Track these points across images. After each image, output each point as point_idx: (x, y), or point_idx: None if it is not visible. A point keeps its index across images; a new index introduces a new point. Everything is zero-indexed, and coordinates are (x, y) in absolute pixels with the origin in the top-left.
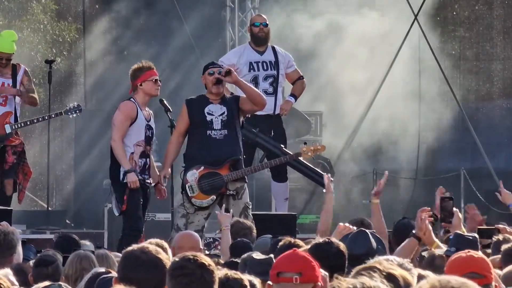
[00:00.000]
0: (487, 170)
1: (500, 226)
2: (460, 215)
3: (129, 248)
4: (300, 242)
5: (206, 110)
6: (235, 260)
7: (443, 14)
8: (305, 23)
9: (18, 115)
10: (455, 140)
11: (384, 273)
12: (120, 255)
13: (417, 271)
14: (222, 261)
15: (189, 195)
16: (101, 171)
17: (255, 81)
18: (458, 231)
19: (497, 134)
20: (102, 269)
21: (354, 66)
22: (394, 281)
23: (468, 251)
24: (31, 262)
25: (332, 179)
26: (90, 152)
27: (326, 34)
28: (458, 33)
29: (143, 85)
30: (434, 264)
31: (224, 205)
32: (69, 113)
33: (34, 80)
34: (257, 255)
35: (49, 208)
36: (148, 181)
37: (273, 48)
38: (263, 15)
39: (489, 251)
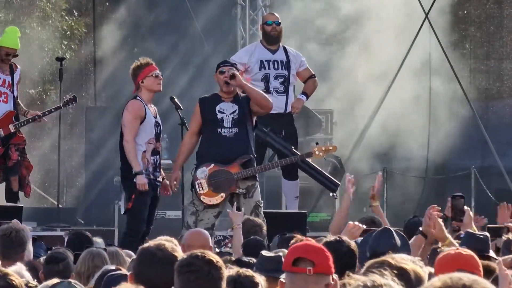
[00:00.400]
0: (498, 169)
1: (510, 224)
2: (471, 214)
3: (146, 245)
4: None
5: (217, 108)
6: (243, 258)
7: (454, 13)
8: (315, 23)
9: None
10: (465, 138)
11: (396, 268)
12: (131, 253)
13: (427, 269)
14: (233, 259)
15: (199, 192)
16: (112, 168)
17: (265, 79)
18: (469, 230)
19: (508, 132)
20: (113, 267)
21: (365, 64)
22: (405, 275)
23: (457, 249)
24: (42, 259)
25: (352, 179)
26: (101, 149)
27: (338, 32)
28: (469, 32)
29: (144, 82)
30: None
31: (235, 203)
32: (67, 105)
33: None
34: (266, 252)
35: (60, 205)
36: (159, 179)
37: (284, 48)
38: (276, 14)
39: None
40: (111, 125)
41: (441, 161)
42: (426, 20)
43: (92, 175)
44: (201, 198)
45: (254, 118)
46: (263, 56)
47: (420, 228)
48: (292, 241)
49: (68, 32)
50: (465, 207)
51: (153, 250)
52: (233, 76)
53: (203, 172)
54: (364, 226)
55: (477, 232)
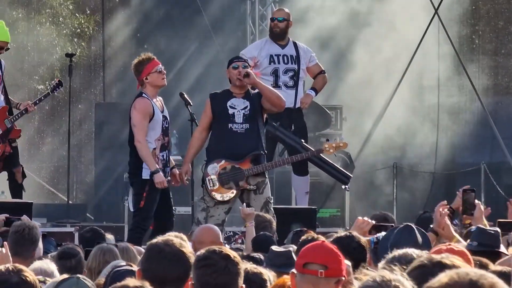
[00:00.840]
0: (508, 164)
1: None
2: (482, 208)
3: (154, 240)
4: (321, 238)
5: (228, 103)
6: (253, 254)
7: (463, 8)
8: (324, 14)
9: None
10: (475, 134)
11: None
12: (141, 249)
13: None
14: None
15: (209, 188)
16: (121, 164)
17: (275, 73)
18: (480, 225)
19: None
20: (123, 262)
21: (374, 60)
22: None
23: (449, 244)
24: (50, 255)
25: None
26: (110, 145)
27: (347, 26)
28: (478, 28)
29: (149, 78)
30: None
31: (246, 200)
32: (55, 91)
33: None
34: (276, 248)
35: (70, 202)
36: (168, 174)
37: (294, 43)
38: (285, 9)
39: None
40: (121, 121)
41: (450, 156)
42: (436, 15)
43: (101, 171)
44: (212, 194)
45: (265, 115)
46: (273, 51)
47: (431, 226)
48: (303, 237)
49: (78, 30)
50: (476, 201)
51: (161, 246)
52: (247, 75)
53: (213, 168)
54: (373, 221)
55: (488, 227)
